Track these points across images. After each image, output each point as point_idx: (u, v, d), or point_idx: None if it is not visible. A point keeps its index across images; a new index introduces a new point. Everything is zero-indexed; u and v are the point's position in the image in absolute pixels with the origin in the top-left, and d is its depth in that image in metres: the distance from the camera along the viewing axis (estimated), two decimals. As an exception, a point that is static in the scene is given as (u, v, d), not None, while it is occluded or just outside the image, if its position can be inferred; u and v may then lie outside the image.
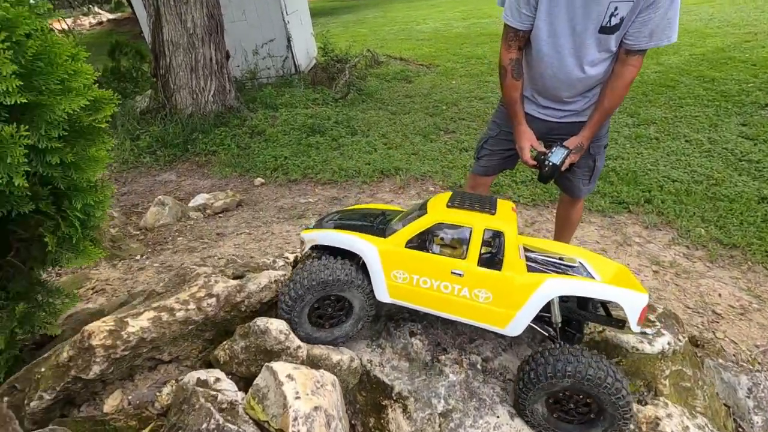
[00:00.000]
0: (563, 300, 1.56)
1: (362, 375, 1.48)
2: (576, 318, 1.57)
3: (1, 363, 1.42)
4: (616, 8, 1.71)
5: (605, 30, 1.79)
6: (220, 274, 1.59)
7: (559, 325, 1.47)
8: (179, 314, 1.34)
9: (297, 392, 1.09)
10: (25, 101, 1.21)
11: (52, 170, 1.38)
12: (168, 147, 5.84)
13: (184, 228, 4.50)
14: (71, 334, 1.76)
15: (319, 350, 1.41)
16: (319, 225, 1.69)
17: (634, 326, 1.38)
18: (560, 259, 1.61)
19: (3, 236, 1.39)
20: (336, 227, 1.60)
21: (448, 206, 1.47)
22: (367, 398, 1.44)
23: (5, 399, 1.26)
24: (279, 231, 4.32)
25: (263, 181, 5.36)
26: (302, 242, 1.67)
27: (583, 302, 1.59)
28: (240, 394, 1.19)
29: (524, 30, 1.89)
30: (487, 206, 1.48)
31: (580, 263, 1.58)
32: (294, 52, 7.79)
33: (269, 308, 1.68)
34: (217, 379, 1.21)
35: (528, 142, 2.12)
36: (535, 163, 2.12)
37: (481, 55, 9.56)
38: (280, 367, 1.16)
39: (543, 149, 2.15)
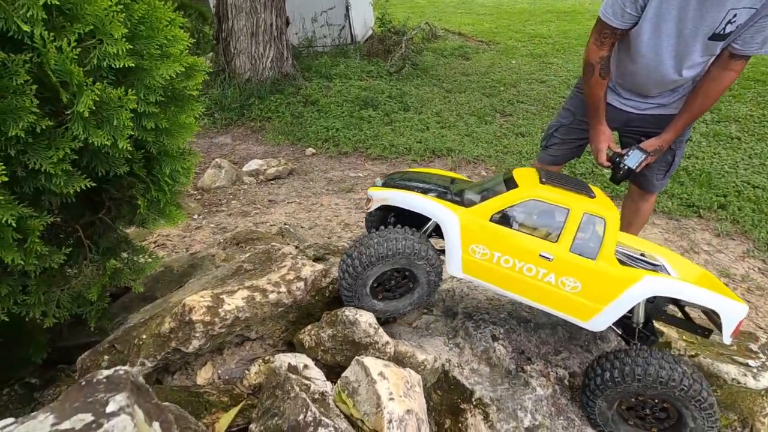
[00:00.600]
0: (649, 300, 1.45)
1: (439, 374, 1.46)
2: (656, 319, 1.48)
3: (93, 314, 1.51)
4: (734, 15, 1.55)
5: (716, 37, 1.63)
6: (304, 257, 1.60)
7: (641, 326, 1.38)
8: (271, 296, 1.36)
9: (390, 393, 1.08)
10: (132, 65, 1.23)
11: (147, 135, 1.41)
12: (225, 110, 5.96)
13: (238, 192, 4.62)
14: (146, 291, 1.85)
15: (404, 347, 1.38)
16: (390, 184, 1.59)
17: (727, 338, 1.27)
18: (642, 255, 1.50)
19: (98, 195, 1.45)
20: (409, 189, 1.50)
21: (542, 182, 1.36)
22: (443, 398, 1.40)
23: (105, 358, 1.34)
24: (328, 203, 4.35)
25: (314, 151, 5.40)
26: (368, 200, 1.57)
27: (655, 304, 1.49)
28: (328, 384, 1.20)
29: (623, 29, 1.77)
30: (584, 189, 1.36)
31: (663, 263, 1.47)
32: (351, 21, 7.65)
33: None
34: (306, 366, 1.23)
35: (606, 144, 2.02)
36: (609, 164, 2.01)
37: (546, 34, 9.04)
38: (372, 363, 1.16)
39: (619, 150, 2.04)
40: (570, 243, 1.29)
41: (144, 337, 1.28)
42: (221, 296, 1.29)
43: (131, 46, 1.21)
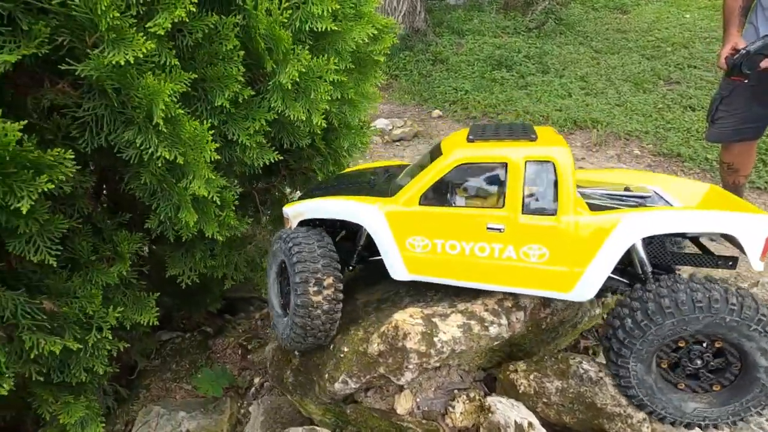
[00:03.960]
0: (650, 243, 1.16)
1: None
2: (665, 265, 1.16)
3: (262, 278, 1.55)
4: None
5: None
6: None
7: (650, 274, 1.07)
8: (492, 330, 1.15)
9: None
10: (334, 28, 1.09)
11: (331, 105, 1.31)
12: (353, 67, 5.92)
13: (364, 151, 4.61)
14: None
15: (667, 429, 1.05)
16: (308, 195, 1.36)
17: (756, 263, 0.95)
18: (626, 190, 1.23)
19: (274, 163, 1.41)
20: (327, 194, 1.28)
21: (469, 140, 1.11)
22: None
23: (296, 353, 1.31)
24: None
25: (441, 113, 5.14)
26: (286, 220, 1.37)
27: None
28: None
29: None
30: (523, 133, 1.10)
31: (655, 192, 1.19)
32: (489, -32, 6.93)
33: (569, 330, 1.36)
34: (531, 425, 1.05)
35: (730, 44, 1.92)
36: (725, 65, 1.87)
37: (732, -21, 7.28)
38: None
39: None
40: (519, 203, 1.06)
41: (345, 350, 1.21)
42: (433, 319, 1.15)
43: (338, 6, 1.07)
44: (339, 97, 1.29)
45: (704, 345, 0.99)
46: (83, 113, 0.99)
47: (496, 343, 1.15)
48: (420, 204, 1.14)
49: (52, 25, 0.86)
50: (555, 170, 1.04)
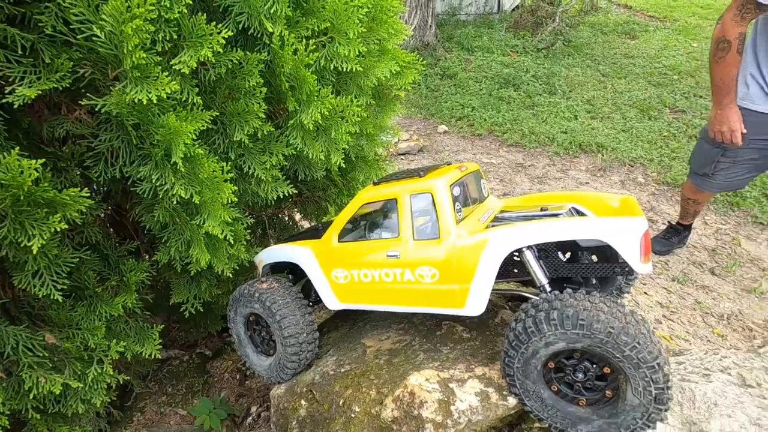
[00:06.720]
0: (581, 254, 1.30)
1: None
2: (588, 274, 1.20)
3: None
4: None
5: None
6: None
7: (546, 284, 1.13)
8: (510, 400, 1.12)
9: None
10: (360, 69, 1.07)
11: (350, 138, 1.29)
12: (361, 77, 5.91)
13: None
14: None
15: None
16: (281, 242, 1.53)
17: (636, 263, 0.97)
18: (542, 209, 1.32)
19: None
20: (284, 242, 1.45)
21: (374, 184, 1.29)
22: None
23: (303, 403, 1.26)
24: (462, 192, 4.10)
25: (446, 129, 5.13)
26: (256, 267, 1.52)
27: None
28: None
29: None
30: (417, 172, 1.24)
31: (572, 208, 1.31)
32: (500, -15, 6.96)
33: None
34: None
35: (741, 123, 1.95)
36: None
37: (740, 10, 7.35)
38: None
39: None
40: (411, 231, 1.21)
41: (357, 410, 1.16)
42: (450, 384, 1.12)
43: (365, 48, 1.05)
44: (358, 131, 1.27)
45: (593, 364, 1.01)
46: (98, 144, 0.96)
47: (512, 412, 1.12)
48: (339, 241, 1.30)
49: (75, 58, 0.83)
50: (432, 199, 1.18)
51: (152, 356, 1.20)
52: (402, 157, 4.75)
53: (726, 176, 2.18)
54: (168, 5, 0.84)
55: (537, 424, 1.15)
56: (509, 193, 3.97)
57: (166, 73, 0.85)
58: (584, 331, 0.94)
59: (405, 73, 1.30)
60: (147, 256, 1.46)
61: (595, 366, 1.01)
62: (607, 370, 0.99)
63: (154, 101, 0.83)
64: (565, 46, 6.37)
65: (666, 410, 0.94)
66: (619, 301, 0.99)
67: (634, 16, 7.54)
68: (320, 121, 1.04)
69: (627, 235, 0.98)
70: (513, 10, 7.44)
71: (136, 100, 0.83)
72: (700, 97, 5.15)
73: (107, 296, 1.10)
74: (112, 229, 1.34)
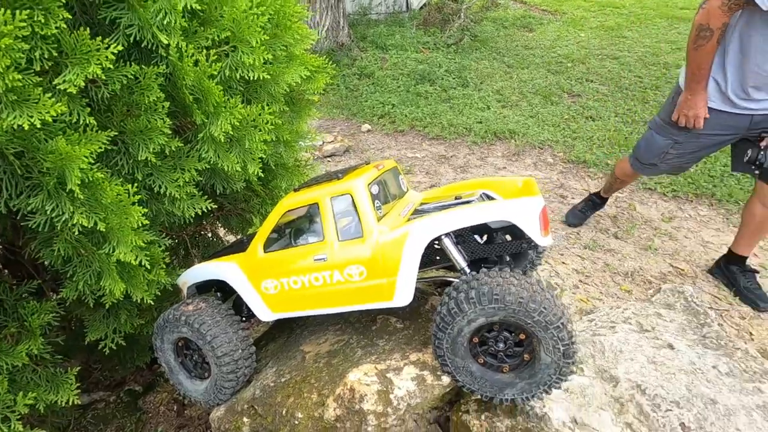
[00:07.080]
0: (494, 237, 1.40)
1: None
2: (502, 253, 1.33)
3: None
4: None
5: None
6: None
7: (466, 267, 1.24)
8: (444, 379, 1.18)
9: None
10: (267, 76, 1.06)
11: (267, 147, 1.27)
12: (277, 81, 5.77)
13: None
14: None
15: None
16: (204, 259, 1.52)
17: (537, 237, 1.11)
18: (456, 198, 1.43)
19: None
20: (206, 259, 1.43)
21: (295, 190, 1.30)
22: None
23: (245, 420, 1.26)
24: (390, 188, 4.18)
25: (370, 127, 5.19)
26: (180, 291, 1.50)
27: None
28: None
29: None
30: (336, 175, 1.30)
31: (483, 194, 1.40)
32: (406, -16, 7.16)
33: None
34: None
35: (705, 111, 2.00)
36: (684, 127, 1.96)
37: (620, 3, 8.25)
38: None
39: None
40: (335, 233, 1.24)
41: (300, 416, 1.15)
42: (387, 375, 1.14)
43: (271, 55, 1.04)
44: (274, 138, 1.25)
45: (510, 333, 1.11)
46: (-26, 177, 0.85)
47: (448, 389, 1.18)
48: (265, 251, 1.29)
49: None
50: (352, 199, 1.21)
51: (71, 403, 1.09)
52: (329, 159, 4.73)
53: (671, 164, 2.30)
54: (43, 21, 0.76)
55: (473, 398, 1.22)
56: (436, 184, 4.12)
57: (49, 95, 0.77)
58: (499, 304, 1.02)
59: (316, 78, 1.31)
60: (53, 294, 1.32)
61: (512, 334, 1.09)
62: (522, 336, 1.08)
63: (38, 126, 0.76)
64: (472, 40, 6.72)
65: (573, 363, 1.05)
66: (527, 273, 1.08)
67: (530, 10, 8.17)
68: (232, 132, 1.01)
69: (527, 214, 1.09)
70: (421, 8, 7.70)
71: (15, 126, 0.74)
72: (591, 81, 5.71)
73: (6, 346, 0.98)
74: (6, 271, 1.19)
